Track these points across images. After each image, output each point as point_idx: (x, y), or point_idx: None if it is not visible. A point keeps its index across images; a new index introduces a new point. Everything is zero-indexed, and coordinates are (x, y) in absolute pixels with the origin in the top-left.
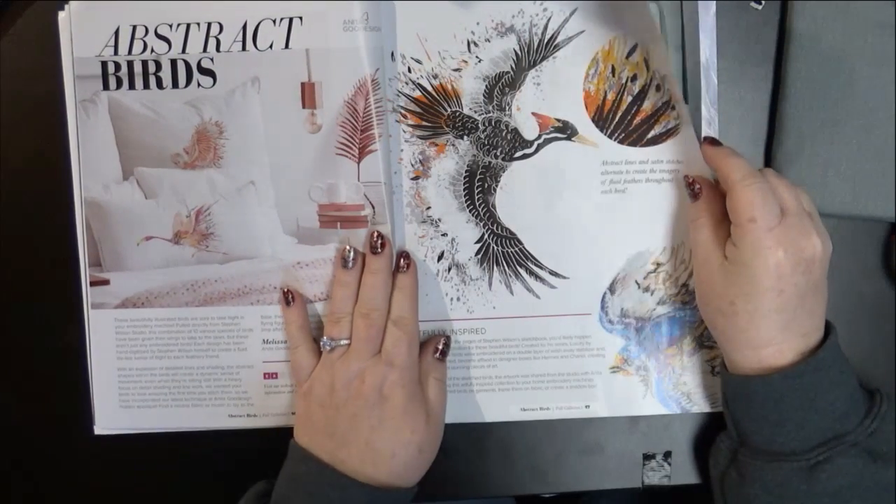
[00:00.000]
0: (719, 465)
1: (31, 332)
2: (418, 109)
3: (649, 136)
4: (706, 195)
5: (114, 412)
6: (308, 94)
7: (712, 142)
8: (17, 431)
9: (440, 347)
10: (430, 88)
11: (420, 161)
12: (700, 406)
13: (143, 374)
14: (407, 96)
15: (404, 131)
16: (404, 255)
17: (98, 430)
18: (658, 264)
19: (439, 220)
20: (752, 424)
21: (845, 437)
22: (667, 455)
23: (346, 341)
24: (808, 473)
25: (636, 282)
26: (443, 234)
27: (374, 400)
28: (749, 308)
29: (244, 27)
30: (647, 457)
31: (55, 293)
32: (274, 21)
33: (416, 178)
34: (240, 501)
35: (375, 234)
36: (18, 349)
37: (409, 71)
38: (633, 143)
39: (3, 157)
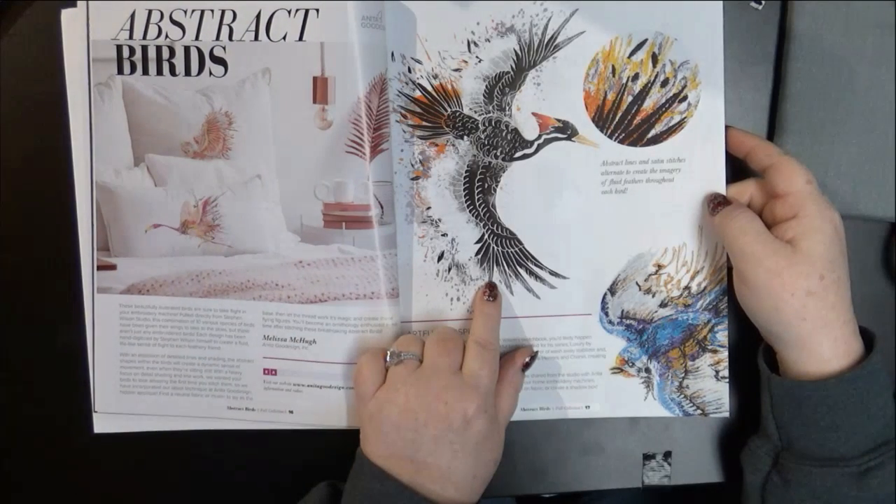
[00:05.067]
0: (760, 471)
1: (31, 331)
2: (418, 109)
3: (650, 135)
4: (734, 198)
5: (114, 397)
6: (320, 89)
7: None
8: (17, 431)
9: (528, 361)
10: (430, 88)
11: (420, 161)
12: (703, 410)
13: (146, 360)
14: (407, 96)
15: (404, 131)
16: (492, 286)
17: (97, 417)
18: (659, 266)
19: (439, 220)
20: (801, 429)
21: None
22: (667, 455)
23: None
24: (859, 479)
25: (637, 283)
26: (443, 234)
27: (459, 425)
28: (835, 276)
29: (258, 16)
30: (647, 457)
31: (56, 294)
32: (289, 12)
33: (416, 178)
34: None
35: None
36: (18, 349)
37: (410, 71)
38: (634, 143)
39: (3, 157)
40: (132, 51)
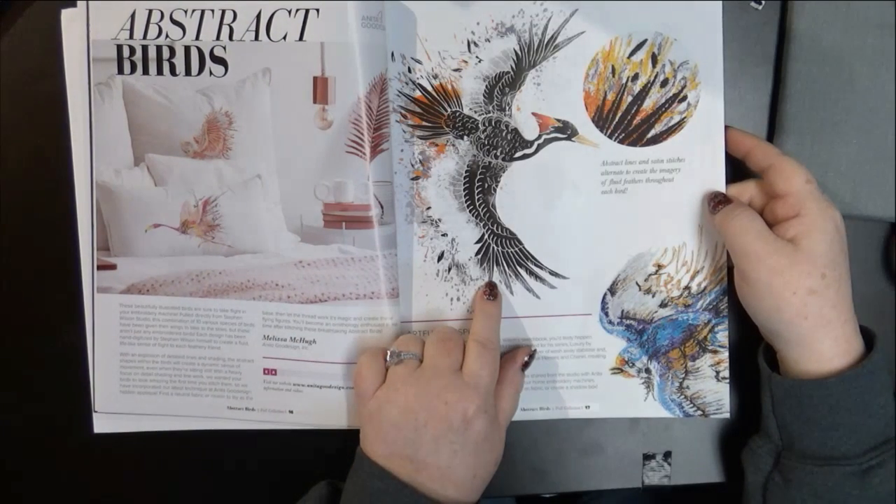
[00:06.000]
0: (761, 470)
1: (31, 331)
2: (418, 109)
3: (649, 135)
4: (734, 197)
5: (114, 396)
6: (320, 89)
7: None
8: (17, 431)
9: (526, 360)
10: (430, 88)
11: (420, 161)
12: (704, 412)
13: (146, 360)
14: (407, 96)
15: (404, 131)
16: (492, 285)
17: (97, 417)
18: (659, 266)
19: (439, 220)
20: (802, 428)
21: None
22: (667, 455)
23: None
24: (860, 478)
25: (637, 283)
26: (443, 234)
27: (459, 425)
28: (837, 274)
29: (258, 16)
30: (647, 457)
31: (56, 294)
32: (289, 12)
33: (416, 179)
34: (299, 502)
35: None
36: (18, 349)
37: (410, 71)
38: (634, 143)
39: (3, 157)
40: (132, 50)
